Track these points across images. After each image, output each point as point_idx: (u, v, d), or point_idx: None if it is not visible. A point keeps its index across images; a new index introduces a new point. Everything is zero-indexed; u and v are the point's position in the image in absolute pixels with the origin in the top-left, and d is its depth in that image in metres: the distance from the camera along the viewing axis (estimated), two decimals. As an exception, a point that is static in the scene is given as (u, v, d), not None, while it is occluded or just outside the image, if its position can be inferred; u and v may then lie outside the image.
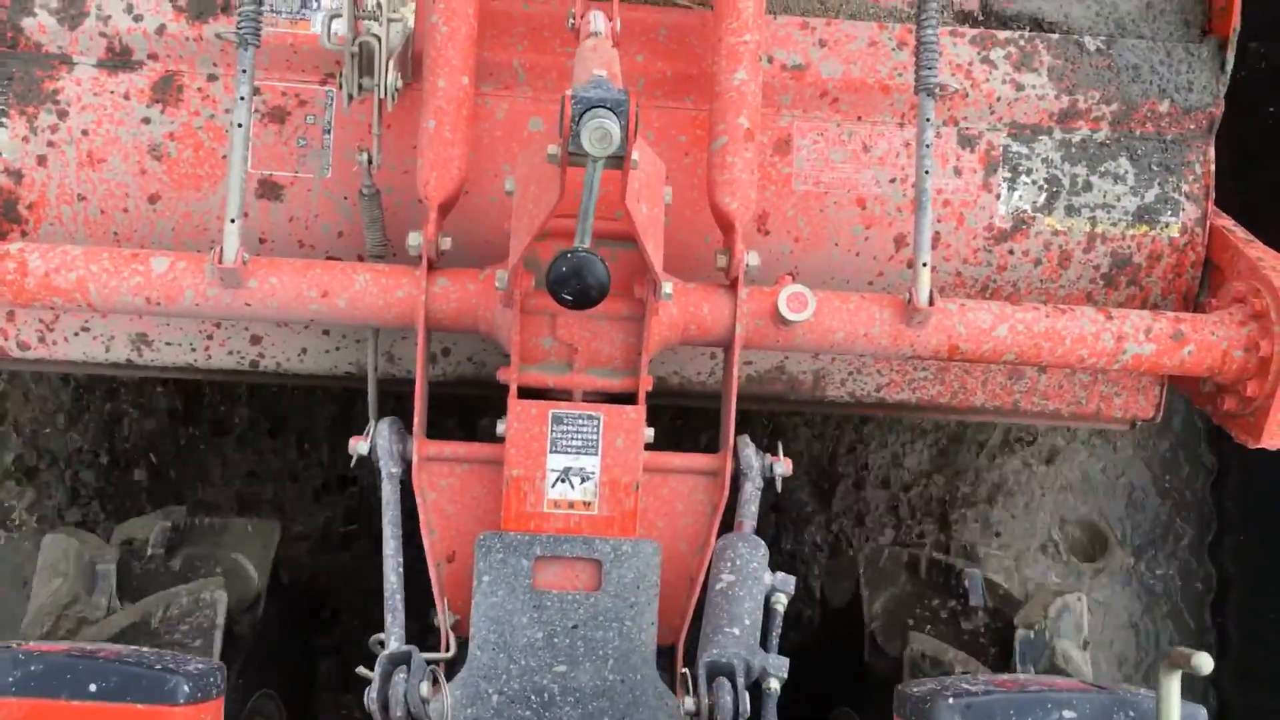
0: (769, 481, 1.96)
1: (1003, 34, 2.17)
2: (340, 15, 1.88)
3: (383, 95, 1.91)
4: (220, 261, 1.84)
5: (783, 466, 1.96)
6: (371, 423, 1.95)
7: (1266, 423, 1.99)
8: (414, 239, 1.88)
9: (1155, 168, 2.17)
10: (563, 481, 1.88)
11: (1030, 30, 2.20)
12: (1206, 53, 2.17)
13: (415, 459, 1.89)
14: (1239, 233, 2.16)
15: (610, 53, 1.74)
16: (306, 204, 2.10)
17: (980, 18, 2.22)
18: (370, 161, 1.97)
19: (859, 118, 2.16)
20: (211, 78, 2.08)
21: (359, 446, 1.91)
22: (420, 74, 2.01)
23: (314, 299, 1.90)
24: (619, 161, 1.51)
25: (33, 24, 2.04)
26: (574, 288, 1.48)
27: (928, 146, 1.93)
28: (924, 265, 1.92)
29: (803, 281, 2.11)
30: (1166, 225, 2.17)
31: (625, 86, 1.50)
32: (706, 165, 2.00)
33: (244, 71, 1.85)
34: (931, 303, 1.93)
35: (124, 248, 2.05)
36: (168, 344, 2.18)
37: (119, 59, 2.07)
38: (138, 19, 2.05)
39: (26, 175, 2.05)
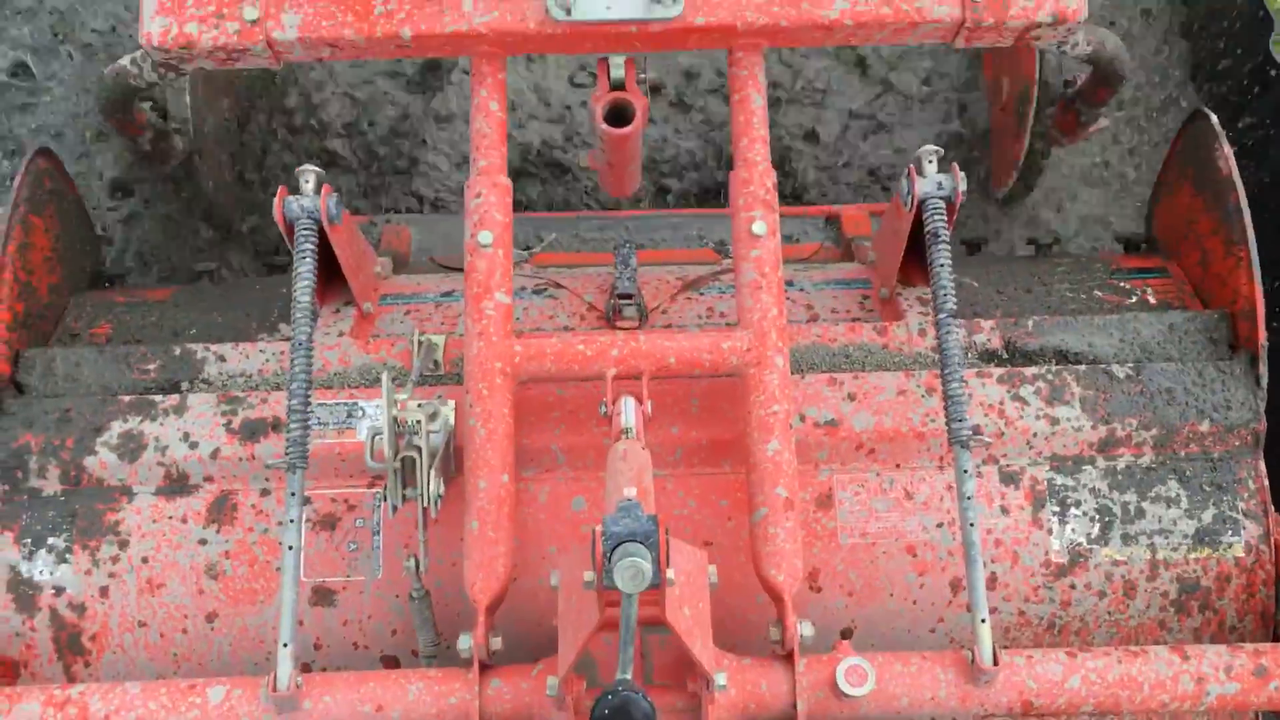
0: None
1: (1029, 370, 2.20)
2: (382, 432, 1.96)
3: (426, 504, 1.96)
4: (274, 689, 1.84)
5: None
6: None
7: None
8: (464, 642, 1.88)
9: (1207, 488, 2.14)
10: None
11: (1056, 363, 2.23)
12: (1239, 369, 2.18)
13: None
14: (1307, 547, 2.10)
15: (641, 458, 1.78)
16: (359, 606, 2.12)
17: (1005, 355, 2.25)
18: (418, 567, 2.00)
19: (897, 465, 2.17)
20: (264, 493, 2.16)
21: None
22: (462, 467, 2.07)
23: (369, 714, 1.89)
24: (655, 585, 1.51)
25: (94, 462, 2.15)
26: (619, 729, 1.46)
27: (969, 499, 1.92)
28: (982, 621, 1.87)
29: (861, 635, 2.07)
30: (1229, 546, 2.12)
31: (656, 509, 1.53)
32: (750, 537, 2.00)
33: (293, 495, 1.92)
34: (996, 660, 1.87)
35: (183, 670, 2.08)
36: None
37: (176, 484, 2.16)
38: (194, 445, 2.15)
39: (89, 608, 2.11)
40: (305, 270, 2.06)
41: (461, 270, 2.27)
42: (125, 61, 2.30)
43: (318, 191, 2.10)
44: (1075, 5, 2.05)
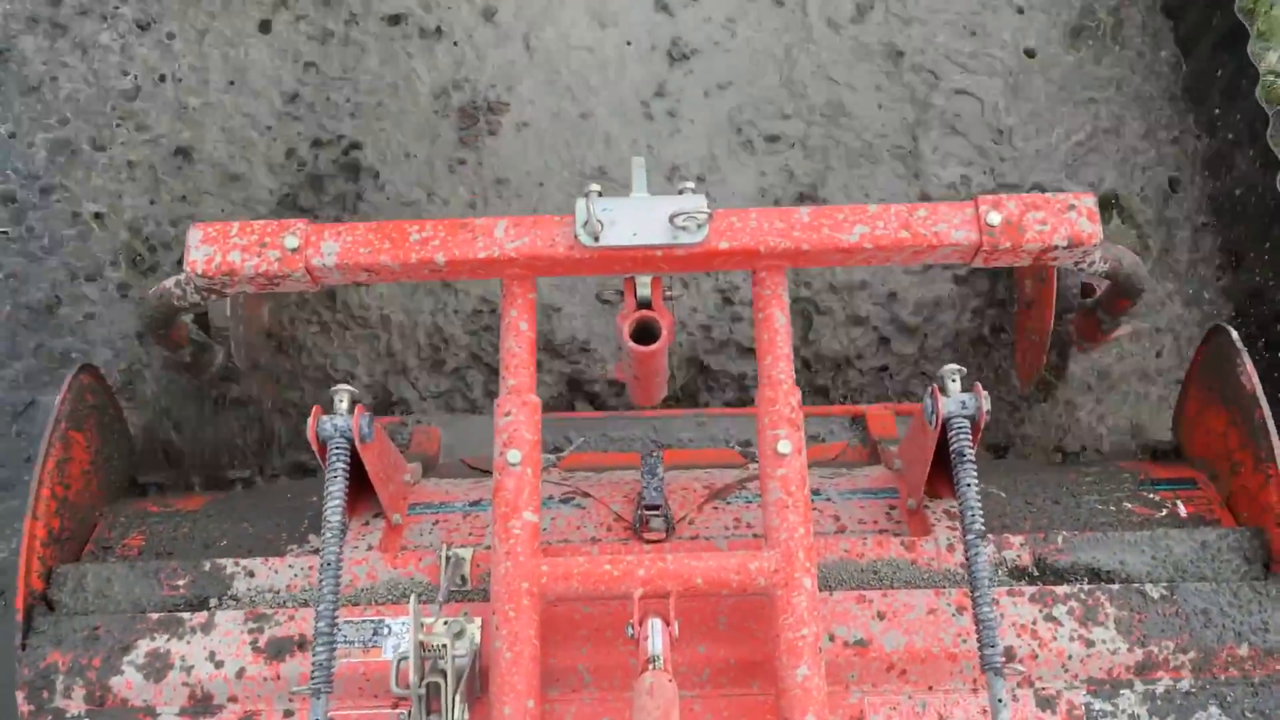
0: None
1: (1061, 589, 2.17)
2: (408, 656, 1.95)
3: (450, 732, 1.94)
4: None
5: None
6: None
7: None
8: None
9: (1250, 715, 2.08)
10: None
11: (1088, 582, 2.20)
12: (1275, 589, 2.14)
13: None
14: (1358, 778, 2.02)
15: (668, 693, 1.76)
16: None
17: (1035, 573, 2.23)
18: (440, 799, 1.96)
19: (930, 687, 2.13)
20: (288, 714, 2.13)
21: None
22: (487, 686, 2.04)
23: None
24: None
25: (120, 682, 2.14)
26: None
27: (1004, 729, 1.87)
28: None
29: None
30: (1277, 777, 2.05)
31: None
32: (780, 766, 1.96)
33: (316, 721, 1.91)
34: None
35: None
36: None
37: (200, 705, 2.14)
38: (219, 665, 2.14)
39: (107, 830, 2.07)
40: (336, 490, 2.09)
41: (489, 472, 2.29)
42: (169, 284, 2.39)
43: (350, 411, 2.14)
44: (1090, 230, 2.10)
